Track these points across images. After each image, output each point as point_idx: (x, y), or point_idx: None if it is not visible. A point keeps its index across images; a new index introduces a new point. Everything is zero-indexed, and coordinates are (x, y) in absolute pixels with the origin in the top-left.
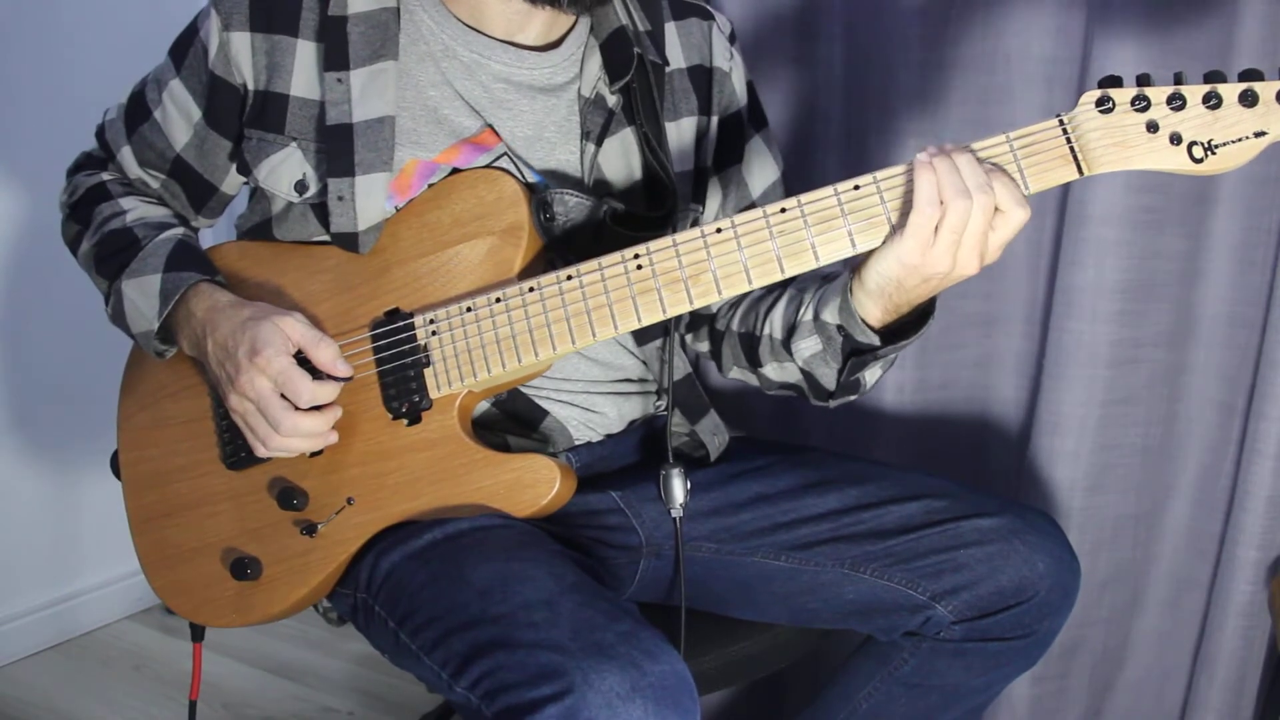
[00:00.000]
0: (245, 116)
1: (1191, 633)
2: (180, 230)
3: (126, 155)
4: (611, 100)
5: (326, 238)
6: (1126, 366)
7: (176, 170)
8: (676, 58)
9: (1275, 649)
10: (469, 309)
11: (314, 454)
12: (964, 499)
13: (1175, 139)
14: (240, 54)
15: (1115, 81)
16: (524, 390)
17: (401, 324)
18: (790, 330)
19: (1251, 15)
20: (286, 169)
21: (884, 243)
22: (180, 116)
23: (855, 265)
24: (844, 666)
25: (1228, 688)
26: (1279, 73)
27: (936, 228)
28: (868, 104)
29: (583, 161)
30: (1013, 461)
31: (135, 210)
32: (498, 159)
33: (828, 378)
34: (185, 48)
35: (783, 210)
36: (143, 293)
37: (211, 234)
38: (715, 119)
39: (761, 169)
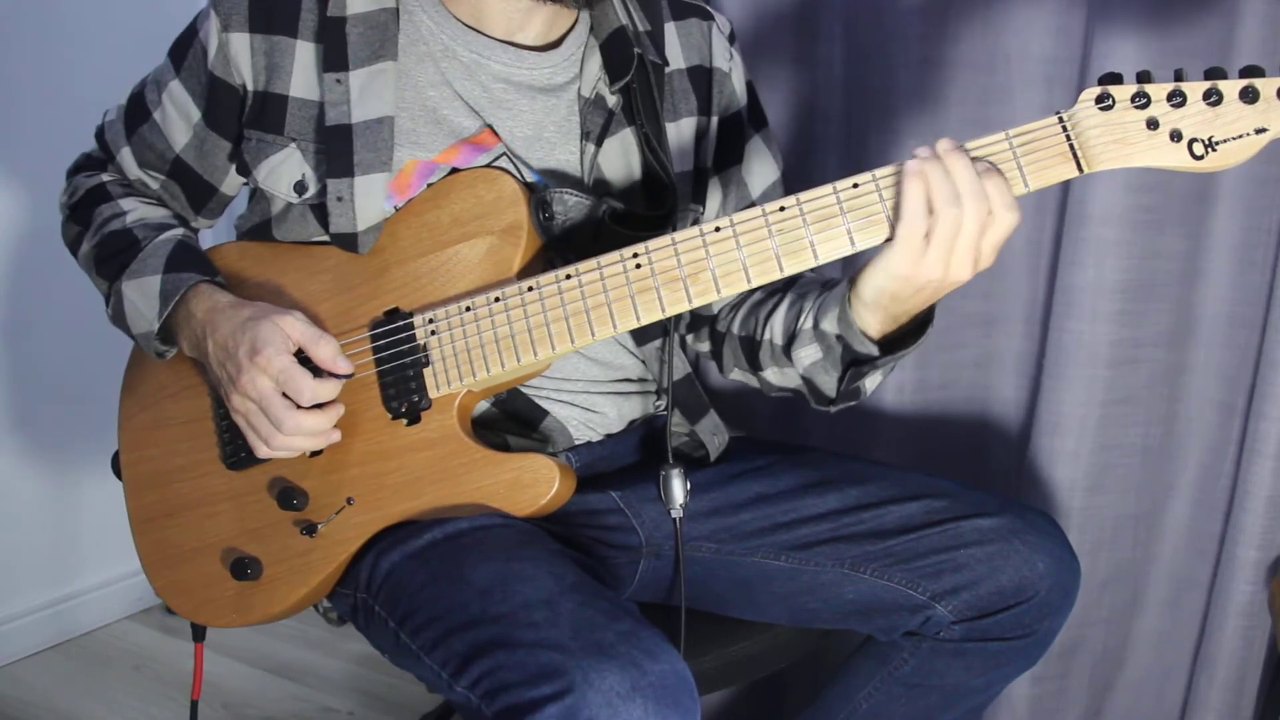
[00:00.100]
0: (244, 117)
1: (1191, 633)
2: (180, 231)
3: (126, 156)
4: (611, 100)
5: (326, 238)
6: (1126, 366)
7: (176, 171)
8: (676, 58)
9: (1275, 649)
10: (468, 308)
11: (314, 454)
12: (964, 499)
13: (1175, 136)
14: (239, 55)
15: (1115, 78)
16: (524, 390)
17: (401, 324)
18: (790, 338)
19: (1252, 15)
20: (286, 170)
21: (876, 254)
22: (180, 117)
23: (852, 276)
24: (844, 666)
25: (1228, 688)
26: None
27: (927, 236)
28: (868, 104)
29: (582, 162)
30: (1013, 461)
31: (135, 211)
32: (497, 159)
33: (828, 385)
34: (185, 49)
35: (781, 209)
36: (143, 294)
37: (211, 234)
38: (715, 119)
39: (761, 169)
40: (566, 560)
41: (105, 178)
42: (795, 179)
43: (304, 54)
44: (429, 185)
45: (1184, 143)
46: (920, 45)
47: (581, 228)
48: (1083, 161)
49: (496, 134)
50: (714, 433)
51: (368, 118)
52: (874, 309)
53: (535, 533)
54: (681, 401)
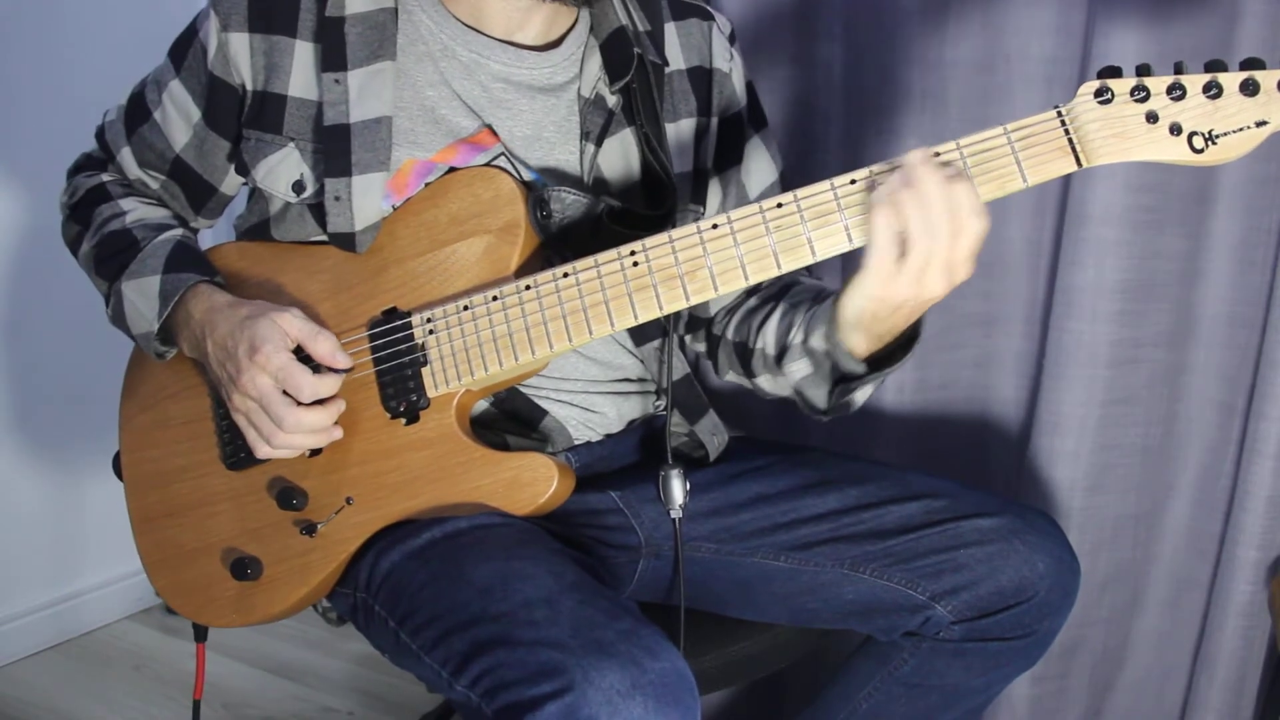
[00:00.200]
0: (243, 117)
1: (1191, 633)
2: (179, 231)
3: (126, 156)
4: (611, 100)
5: (324, 238)
6: (1126, 366)
7: (176, 171)
8: (676, 58)
9: (1275, 649)
10: (466, 307)
11: (313, 454)
12: (964, 499)
13: (1175, 129)
14: (239, 54)
15: (1115, 72)
16: (523, 390)
17: (399, 323)
18: (782, 350)
19: (1251, 15)
20: (284, 169)
21: (852, 278)
22: (180, 117)
23: (835, 296)
24: (844, 666)
25: (1228, 688)
26: None
27: (899, 260)
28: (867, 104)
29: (582, 162)
30: (1013, 461)
31: (135, 211)
32: (495, 159)
33: (819, 398)
34: (184, 49)
35: (779, 205)
36: (142, 294)
37: (211, 234)
38: (715, 120)
39: (760, 170)
40: (566, 559)
41: (105, 178)
42: (795, 179)
43: (303, 54)
44: (426, 184)
45: (1184, 136)
46: (920, 45)
47: (579, 226)
48: (1081, 156)
49: (495, 134)
50: (713, 433)
51: (366, 117)
52: (857, 329)
53: (535, 532)
54: (681, 402)
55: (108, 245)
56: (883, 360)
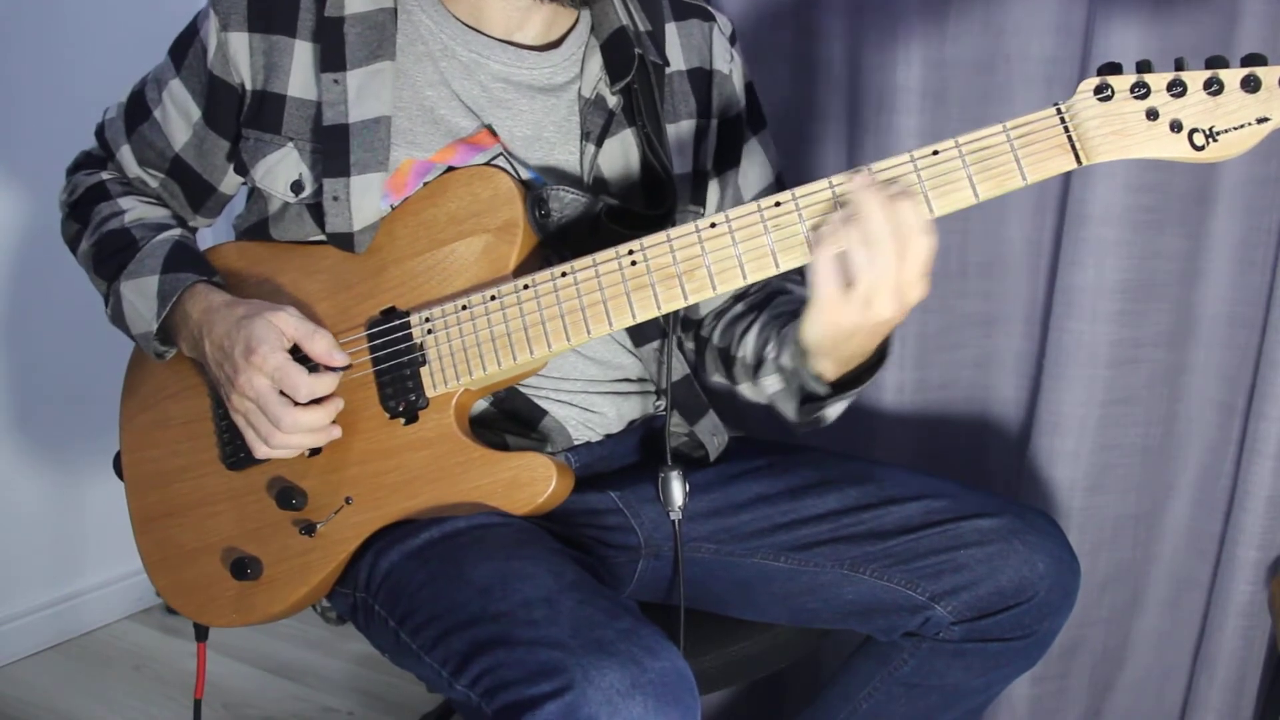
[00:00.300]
0: (243, 116)
1: (1191, 633)
2: (178, 231)
3: (126, 154)
4: (612, 101)
5: (323, 237)
6: (1126, 366)
7: (175, 170)
8: (677, 59)
9: (1275, 649)
10: (464, 307)
11: (312, 453)
12: (964, 499)
13: (1176, 126)
14: (238, 54)
15: (1115, 69)
16: (522, 389)
17: (398, 323)
18: (759, 362)
19: (1251, 15)
20: (283, 169)
21: (804, 310)
22: (180, 116)
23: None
24: (844, 666)
25: (1228, 688)
26: None
27: (845, 289)
28: (867, 104)
29: (582, 162)
30: (1013, 461)
31: (134, 211)
32: (494, 159)
33: (789, 412)
34: (185, 48)
35: (777, 204)
36: (141, 294)
37: (211, 234)
38: (715, 121)
39: (756, 173)
40: (566, 559)
41: (104, 176)
42: (795, 179)
43: (302, 54)
44: (425, 184)
45: (1184, 133)
46: (920, 45)
47: (578, 225)
48: (1081, 153)
49: (494, 134)
50: (713, 433)
51: (365, 118)
52: (819, 355)
53: (534, 531)
54: (681, 402)
55: (106, 245)
56: (851, 381)
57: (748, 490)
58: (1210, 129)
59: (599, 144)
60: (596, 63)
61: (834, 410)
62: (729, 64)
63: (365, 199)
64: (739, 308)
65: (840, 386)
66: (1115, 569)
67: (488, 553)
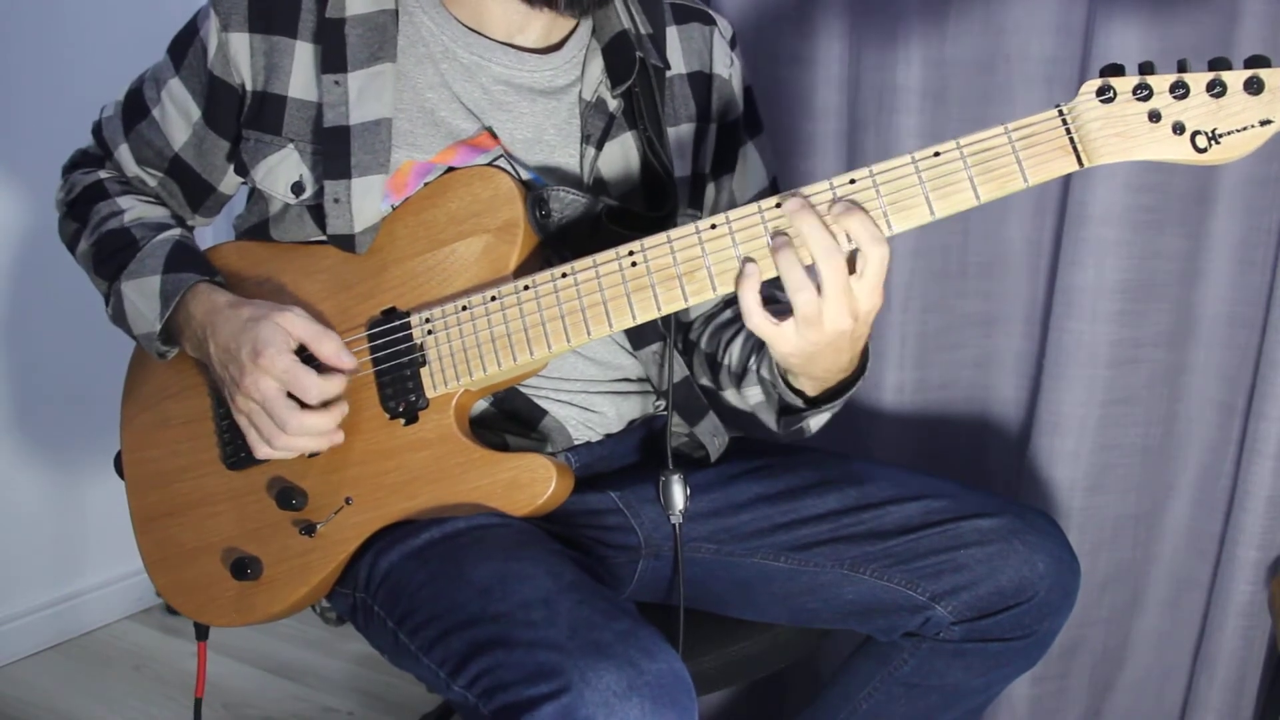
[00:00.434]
0: (243, 117)
1: (1191, 633)
2: (178, 231)
3: (124, 153)
4: (613, 104)
5: (324, 238)
6: (1126, 366)
7: (175, 169)
8: (677, 62)
9: (1275, 649)
10: (465, 307)
11: (312, 454)
12: (964, 499)
13: (1178, 128)
14: (239, 54)
15: (1117, 70)
16: (522, 389)
17: (398, 323)
18: (743, 371)
19: (1252, 15)
20: (283, 170)
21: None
22: (179, 116)
23: None
24: (844, 666)
25: (1228, 688)
26: None
27: (779, 319)
28: (867, 103)
29: (582, 165)
30: (1013, 461)
31: (133, 210)
32: (494, 161)
33: (770, 422)
34: (185, 47)
35: (778, 205)
36: (142, 294)
37: (211, 234)
38: (714, 125)
39: (752, 177)
40: (565, 560)
41: (102, 174)
42: (795, 179)
43: (303, 55)
44: (426, 184)
45: (1186, 135)
46: (920, 45)
47: (578, 226)
48: (1083, 155)
49: (495, 136)
50: (713, 434)
51: (365, 119)
52: (792, 374)
53: (534, 532)
54: (681, 404)
55: (106, 244)
56: (831, 395)
57: (748, 490)
58: (1213, 131)
59: (599, 147)
60: (597, 66)
61: (815, 422)
62: (729, 68)
63: (366, 201)
64: (727, 314)
65: (821, 399)
66: (1115, 569)
67: (487, 553)
